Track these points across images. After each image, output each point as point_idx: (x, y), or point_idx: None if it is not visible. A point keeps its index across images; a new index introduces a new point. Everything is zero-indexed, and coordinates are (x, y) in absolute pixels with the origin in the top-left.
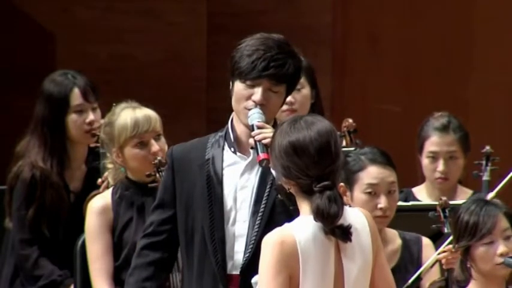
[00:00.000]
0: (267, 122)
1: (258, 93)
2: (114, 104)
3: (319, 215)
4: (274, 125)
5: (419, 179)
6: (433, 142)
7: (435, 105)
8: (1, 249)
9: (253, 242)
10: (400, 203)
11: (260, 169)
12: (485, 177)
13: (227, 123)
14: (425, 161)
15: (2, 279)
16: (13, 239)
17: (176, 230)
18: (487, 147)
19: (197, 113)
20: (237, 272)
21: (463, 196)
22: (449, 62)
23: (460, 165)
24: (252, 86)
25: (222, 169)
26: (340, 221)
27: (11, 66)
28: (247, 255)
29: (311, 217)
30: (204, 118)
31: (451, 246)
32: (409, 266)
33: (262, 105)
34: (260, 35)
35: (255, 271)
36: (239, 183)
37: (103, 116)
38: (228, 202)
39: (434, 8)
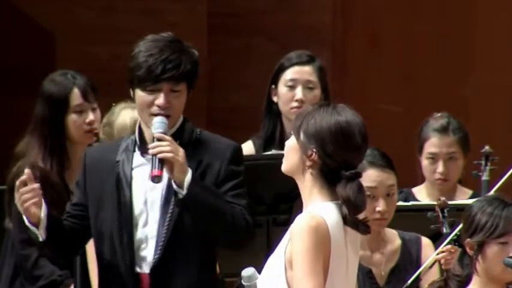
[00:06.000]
0: (173, 120)
1: (160, 97)
2: (113, 104)
3: (350, 203)
4: (183, 124)
5: (419, 179)
6: (433, 143)
7: (435, 105)
8: (1, 249)
9: (162, 242)
10: (400, 203)
11: None
12: (485, 177)
13: (226, 123)
14: (425, 162)
15: (2, 279)
16: (13, 239)
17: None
18: (486, 147)
19: (197, 113)
20: (147, 271)
21: (462, 196)
22: (449, 62)
23: (460, 165)
24: (153, 92)
25: (132, 170)
26: None
27: (11, 67)
28: (157, 256)
29: (332, 204)
30: (204, 118)
31: (450, 246)
32: (409, 266)
33: (167, 108)
34: (151, 37)
35: (166, 271)
36: (148, 185)
37: (103, 116)
38: (137, 205)
39: (434, 8)
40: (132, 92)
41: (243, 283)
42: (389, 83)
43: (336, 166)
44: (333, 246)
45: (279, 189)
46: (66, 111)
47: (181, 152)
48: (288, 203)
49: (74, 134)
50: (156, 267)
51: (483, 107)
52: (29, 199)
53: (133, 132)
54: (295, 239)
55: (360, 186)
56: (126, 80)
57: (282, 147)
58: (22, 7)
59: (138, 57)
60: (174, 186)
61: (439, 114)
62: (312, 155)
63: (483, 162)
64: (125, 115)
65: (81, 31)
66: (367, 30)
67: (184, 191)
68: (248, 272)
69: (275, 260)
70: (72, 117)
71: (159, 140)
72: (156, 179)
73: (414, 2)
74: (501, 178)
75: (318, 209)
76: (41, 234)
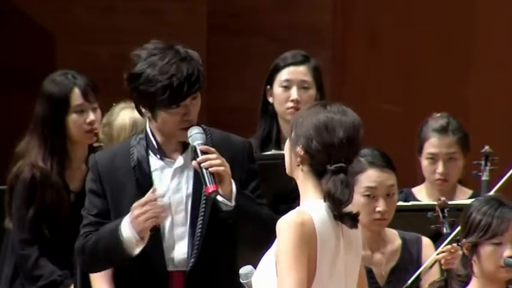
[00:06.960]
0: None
1: (188, 111)
2: (114, 104)
3: (330, 197)
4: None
5: (419, 179)
6: (432, 144)
7: (435, 105)
8: (1, 249)
9: (197, 247)
10: (400, 203)
11: (193, 172)
12: (485, 177)
13: (226, 123)
14: (424, 162)
15: (2, 279)
16: (13, 239)
17: None
18: (486, 147)
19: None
20: (179, 270)
21: (462, 196)
22: (449, 61)
23: (460, 166)
24: (177, 107)
25: (151, 174)
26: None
27: (11, 66)
28: (192, 260)
29: (321, 201)
30: (204, 118)
31: (450, 246)
32: (409, 266)
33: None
34: (148, 54)
35: (202, 273)
36: (171, 187)
37: (103, 116)
38: None
39: (434, 7)
40: (149, 113)
41: (241, 280)
42: (389, 83)
43: (325, 162)
44: (320, 243)
45: (278, 190)
46: (67, 111)
47: (226, 163)
48: (287, 204)
49: (74, 134)
50: (192, 270)
51: (483, 107)
52: (155, 215)
53: (132, 132)
54: (281, 234)
55: (344, 180)
56: (127, 86)
57: (278, 148)
58: (22, 7)
59: (157, 81)
60: (220, 198)
61: (438, 115)
62: (299, 151)
63: (483, 162)
64: (124, 115)
65: (81, 31)
66: (367, 30)
67: (233, 203)
68: (246, 269)
69: (268, 256)
70: (73, 117)
71: (204, 152)
72: (212, 194)
73: (414, 2)
74: (501, 178)
75: (307, 206)
76: (136, 249)
